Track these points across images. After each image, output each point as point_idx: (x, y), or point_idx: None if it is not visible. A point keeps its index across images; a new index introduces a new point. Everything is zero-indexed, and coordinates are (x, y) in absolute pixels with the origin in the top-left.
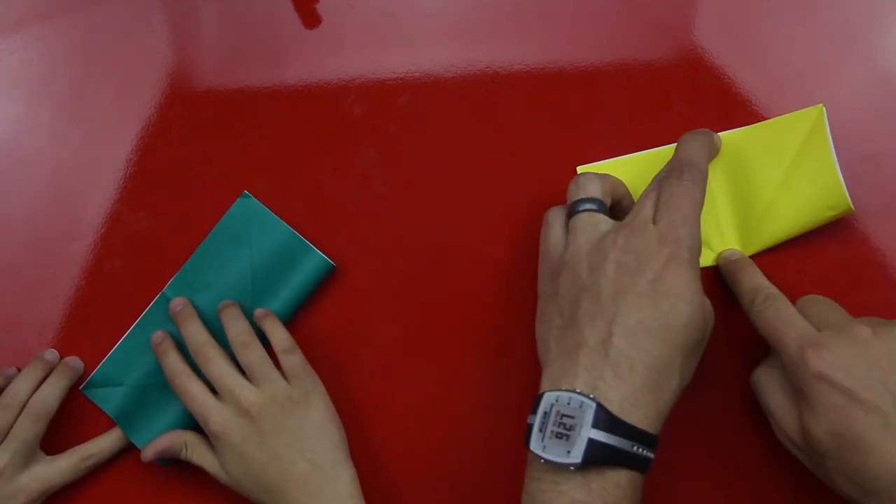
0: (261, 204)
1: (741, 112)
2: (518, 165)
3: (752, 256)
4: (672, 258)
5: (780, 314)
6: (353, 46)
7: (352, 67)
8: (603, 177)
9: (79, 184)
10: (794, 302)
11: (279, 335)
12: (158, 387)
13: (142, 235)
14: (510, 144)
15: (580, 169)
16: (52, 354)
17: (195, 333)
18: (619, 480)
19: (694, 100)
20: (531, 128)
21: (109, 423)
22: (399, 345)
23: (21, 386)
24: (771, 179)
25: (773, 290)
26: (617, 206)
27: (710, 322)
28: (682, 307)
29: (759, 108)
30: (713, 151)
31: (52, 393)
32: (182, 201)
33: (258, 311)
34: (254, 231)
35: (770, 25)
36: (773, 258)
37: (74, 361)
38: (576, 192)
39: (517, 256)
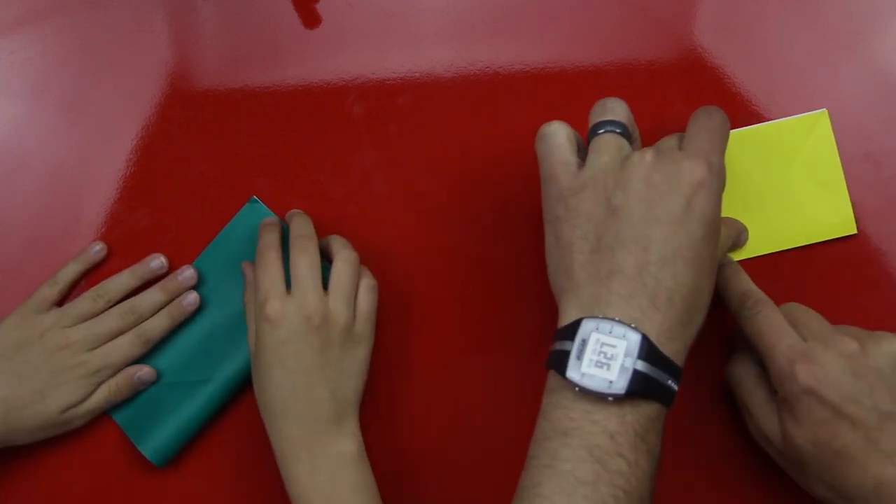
0: (269, 210)
1: (741, 112)
2: (518, 165)
3: (749, 259)
4: (703, 183)
5: (769, 322)
6: (353, 46)
7: (352, 67)
8: (626, 105)
9: (79, 184)
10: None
11: (366, 272)
12: (166, 388)
13: (142, 235)
14: (510, 144)
15: None
16: (158, 263)
17: (302, 226)
18: (650, 413)
19: (694, 100)
20: (531, 127)
21: (112, 425)
22: (399, 344)
23: (114, 287)
24: (769, 184)
25: (762, 295)
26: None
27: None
28: (712, 236)
29: (759, 107)
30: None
31: (160, 325)
32: (182, 201)
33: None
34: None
35: (770, 25)
36: (772, 258)
37: (190, 300)
38: (602, 113)
39: (517, 256)
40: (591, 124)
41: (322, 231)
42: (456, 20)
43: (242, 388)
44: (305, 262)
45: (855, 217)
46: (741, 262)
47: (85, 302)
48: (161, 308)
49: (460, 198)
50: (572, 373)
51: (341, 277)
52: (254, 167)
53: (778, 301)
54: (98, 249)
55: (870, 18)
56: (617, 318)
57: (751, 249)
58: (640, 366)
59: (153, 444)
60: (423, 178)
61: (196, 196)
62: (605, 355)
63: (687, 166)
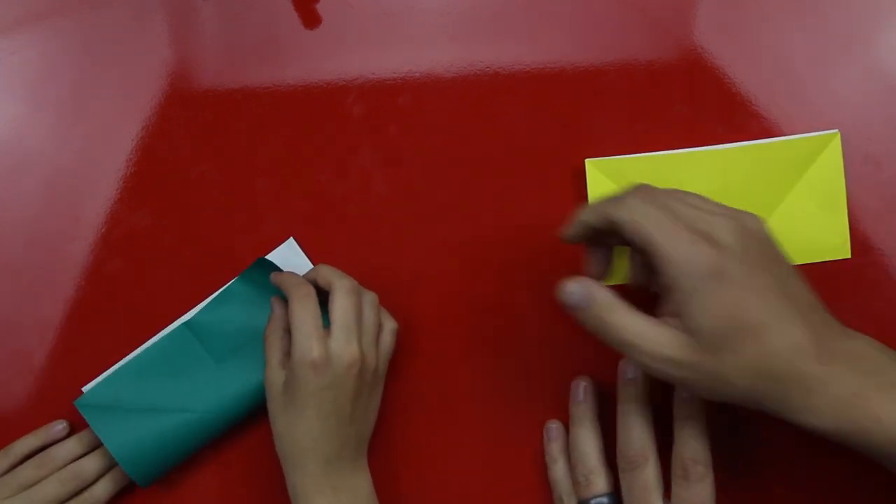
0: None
1: (741, 112)
2: (518, 165)
3: None
4: None
5: None
6: (353, 46)
7: (352, 67)
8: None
9: (79, 184)
10: None
11: (387, 314)
12: (161, 415)
13: (142, 235)
14: (510, 144)
15: (589, 162)
16: (60, 427)
17: (339, 272)
18: None
19: (694, 100)
20: (531, 128)
21: None
22: (399, 345)
23: (61, 453)
24: (771, 201)
25: None
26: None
27: None
28: None
29: (759, 107)
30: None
31: (92, 467)
32: (182, 201)
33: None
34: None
35: (770, 25)
36: None
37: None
38: (586, 487)
39: (517, 256)
40: (577, 492)
41: (323, 231)
42: (456, 20)
43: (238, 421)
44: (350, 304)
45: (854, 217)
46: None
47: (27, 469)
48: (102, 469)
49: (460, 198)
50: None
51: (370, 321)
52: (254, 167)
53: None
54: (60, 429)
55: (870, 19)
56: None
57: None
58: None
59: (138, 461)
60: (423, 178)
61: (196, 196)
62: None
63: None
